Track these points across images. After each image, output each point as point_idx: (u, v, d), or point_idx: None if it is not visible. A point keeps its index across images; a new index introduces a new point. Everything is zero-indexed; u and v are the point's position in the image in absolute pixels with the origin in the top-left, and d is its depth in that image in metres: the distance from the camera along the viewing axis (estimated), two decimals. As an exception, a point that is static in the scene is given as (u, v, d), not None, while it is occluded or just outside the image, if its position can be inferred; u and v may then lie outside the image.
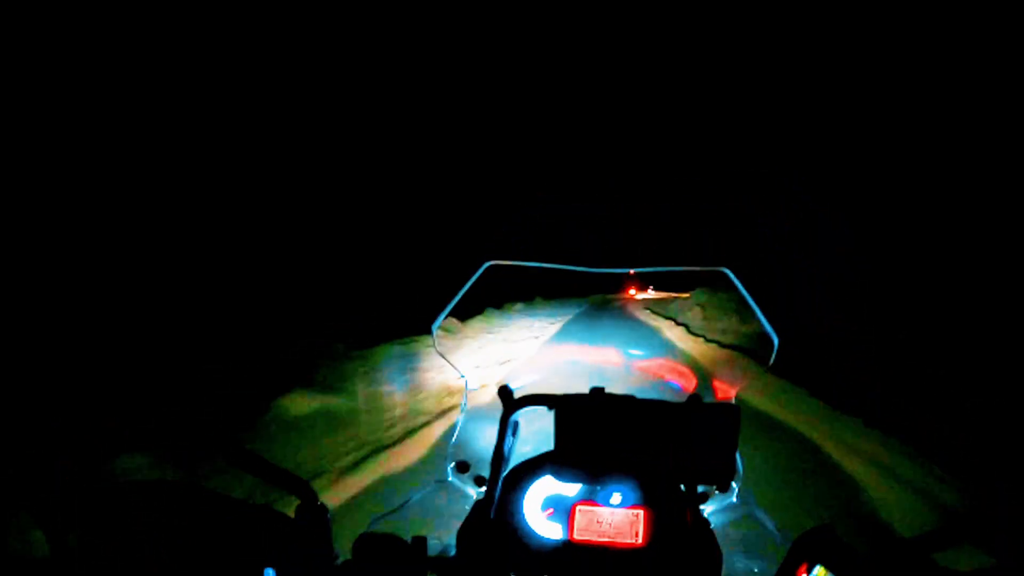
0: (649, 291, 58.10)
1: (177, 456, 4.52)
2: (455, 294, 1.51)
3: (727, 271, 1.47)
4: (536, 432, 1.52)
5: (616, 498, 1.21)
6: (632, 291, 55.93)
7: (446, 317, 1.57)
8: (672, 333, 16.27)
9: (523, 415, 1.39)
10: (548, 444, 1.26)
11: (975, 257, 9.97)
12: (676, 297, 29.81)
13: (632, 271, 1.55)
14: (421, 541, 1.04)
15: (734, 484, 1.36)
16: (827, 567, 0.88)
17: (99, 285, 8.70)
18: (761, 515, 1.36)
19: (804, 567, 0.91)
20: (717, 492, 1.38)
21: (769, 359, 1.42)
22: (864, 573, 0.87)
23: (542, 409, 1.35)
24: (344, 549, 1.02)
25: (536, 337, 15.12)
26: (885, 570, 0.88)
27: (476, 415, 1.66)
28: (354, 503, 4.16)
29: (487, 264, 1.51)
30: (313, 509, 1.02)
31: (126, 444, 4.72)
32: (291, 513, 1.01)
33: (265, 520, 0.98)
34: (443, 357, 1.67)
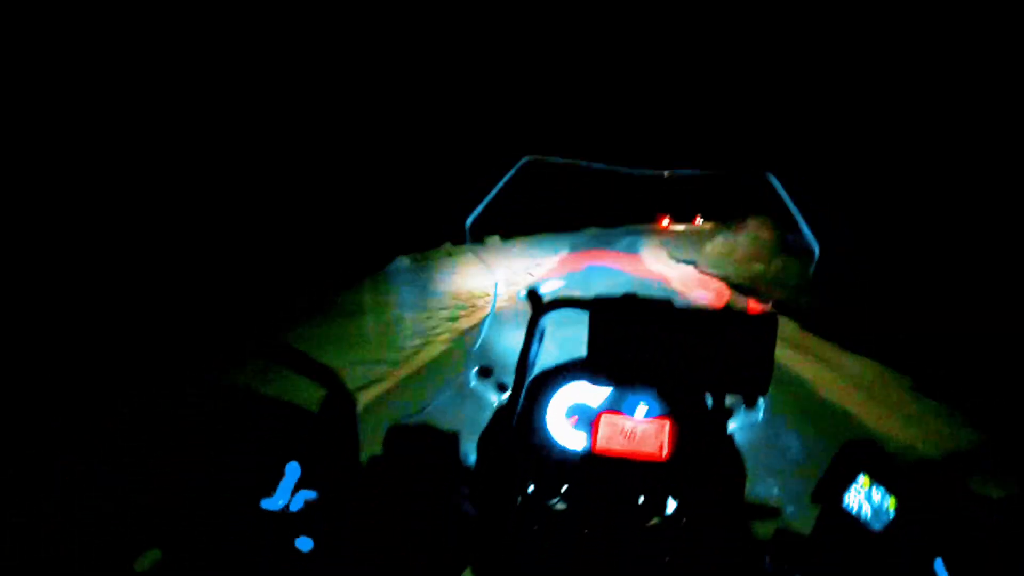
0: (698, 221, 46.85)
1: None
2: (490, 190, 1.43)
3: (771, 176, 1.37)
4: (563, 340, 1.48)
5: (642, 408, 1.18)
6: (665, 222, 45.31)
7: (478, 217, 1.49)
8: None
9: (551, 322, 1.34)
10: (574, 353, 1.23)
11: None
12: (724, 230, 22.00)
13: (667, 173, 1.43)
14: (453, 437, 1.02)
15: (761, 400, 1.32)
16: (871, 476, 0.89)
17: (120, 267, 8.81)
18: (787, 434, 1.33)
19: (849, 477, 0.92)
20: (744, 408, 1.34)
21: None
22: (905, 482, 0.87)
23: (569, 318, 1.30)
24: (369, 441, 1.02)
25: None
26: (924, 481, 0.87)
27: (503, 319, 1.61)
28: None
29: (525, 159, 1.42)
30: (341, 403, 1.01)
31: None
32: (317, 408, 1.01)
33: (289, 415, 0.98)
34: (476, 255, 1.61)
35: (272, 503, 0.86)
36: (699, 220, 47.99)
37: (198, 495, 0.84)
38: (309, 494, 0.88)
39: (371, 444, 1.03)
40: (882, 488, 0.88)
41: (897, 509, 0.86)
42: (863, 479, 0.90)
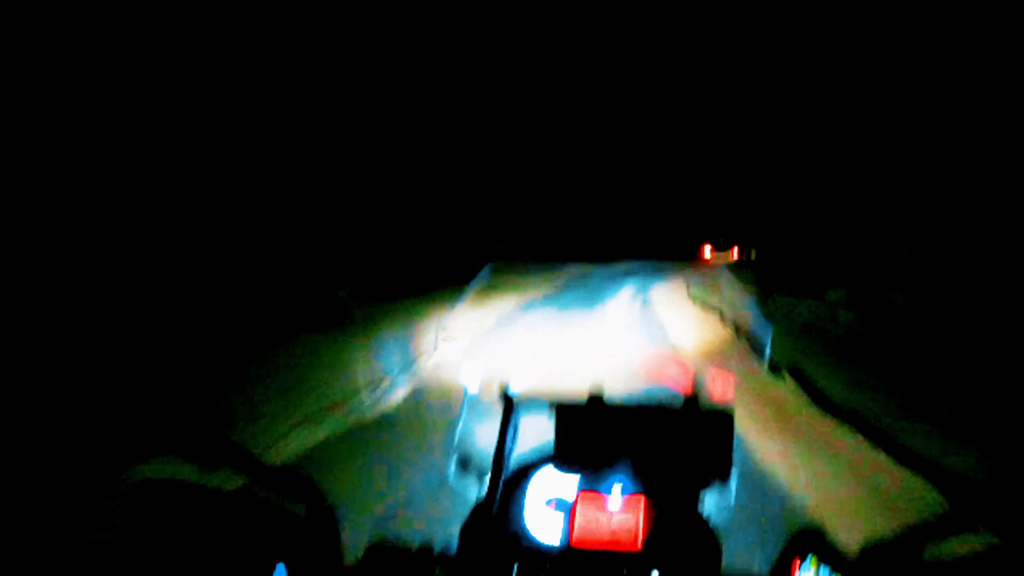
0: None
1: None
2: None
3: (724, 269, 1.49)
4: (539, 430, 1.55)
5: (617, 489, 1.24)
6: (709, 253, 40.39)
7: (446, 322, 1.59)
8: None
9: (523, 415, 1.42)
10: (549, 441, 1.29)
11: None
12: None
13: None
14: (427, 550, 1.07)
15: (732, 483, 1.39)
16: (819, 557, 0.95)
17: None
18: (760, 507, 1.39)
19: (797, 560, 0.98)
20: (717, 488, 1.40)
21: None
22: (853, 563, 0.93)
23: (542, 412, 1.38)
24: (353, 546, 1.05)
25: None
26: (874, 560, 0.93)
27: (479, 409, 1.68)
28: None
29: (488, 267, 1.54)
30: (321, 509, 1.05)
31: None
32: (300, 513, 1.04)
33: (276, 517, 1.01)
34: (447, 365, 1.68)
35: None
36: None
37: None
38: None
39: (355, 538, 1.06)
40: (827, 568, 0.94)
41: None
42: (812, 560, 0.96)
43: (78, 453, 4.17)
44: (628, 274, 25.24)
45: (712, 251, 41.80)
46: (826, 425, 5.86)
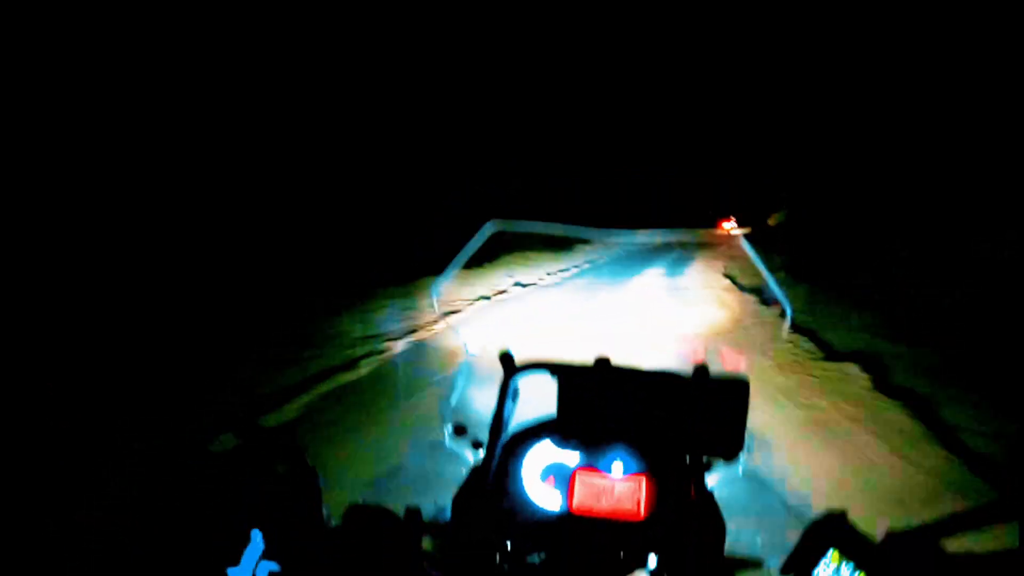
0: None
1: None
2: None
3: (745, 241, 1.40)
4: (538, 397, 1.48)
5: (617, 467, 1.18)
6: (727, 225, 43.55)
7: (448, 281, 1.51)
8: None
9: (524, 380, 1.35)
10: (549, 409, 1.23)
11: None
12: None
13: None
14: (415, 513, 1.01)
15: (741, 455, 1.32)
16: (841, 551, 0.89)
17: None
18: (769, 484, 1.33)
19: (818, 552, 0.91)
20: (722, 462, 1.34)
21: None
22: (875, 557, 0.87)
23: (544, 374, 1.31)
24: (334, 510, 1.00)
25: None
26: (899, 553, 0.88)
27: (476, 375, 1.62)
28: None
29: (490, 225, 1.45)
30: (303, 471, 0.99)
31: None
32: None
33: (254, 481, 0.96)
34: (447, 323, 1.62)
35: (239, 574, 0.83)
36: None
37: (162, 560, 0.82)
38: (272, 566, 0.85)
39: (339, 503, 1.00)
40: (851, 564, 0.88)
41: None
42: (832, 555, 0.90)
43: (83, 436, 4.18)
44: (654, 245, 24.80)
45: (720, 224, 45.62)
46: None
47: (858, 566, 0.86)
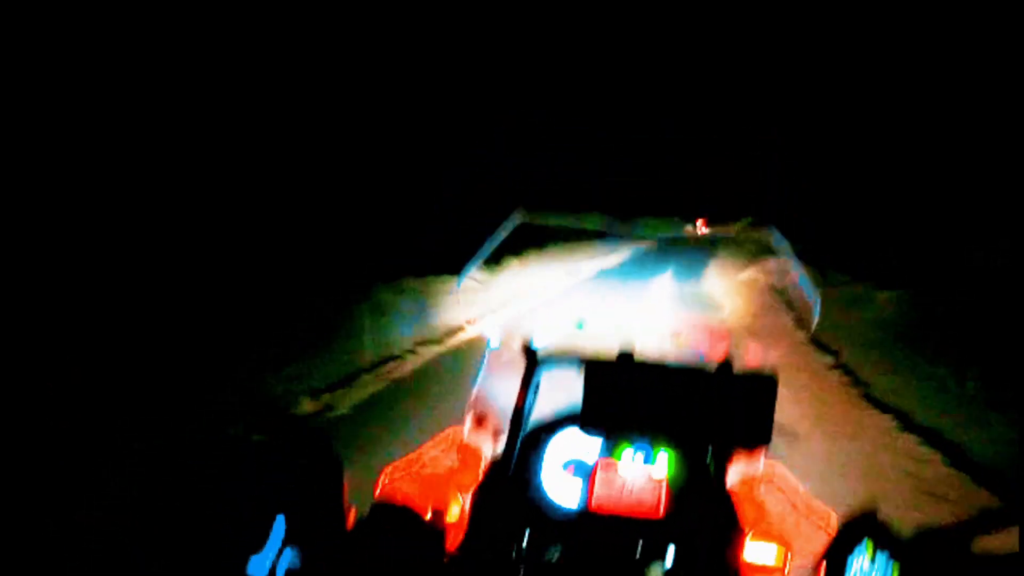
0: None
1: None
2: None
3: (774, 230, 1.38)
4: (559, 389, 1.47)
5: (639, 461, 1.17)
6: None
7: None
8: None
9: (546, 372, 1.34)
10: (571, 402, 1.22)
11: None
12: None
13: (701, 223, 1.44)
14: (438, 515, 1.02)
15: (762, 454, 1.30)
16: (875, 542, 0.90)
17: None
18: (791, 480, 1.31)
19: (854, 541, 0.93)
20: (743, 461, 1.32)
21: None
22: (909, 549, 0.88)
23: (567, 367, 1.30)
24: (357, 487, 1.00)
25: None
26: (929, 546, 0.89)
27: (497, 367, 1.61)
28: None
29: (516, 216, 1.44)
30: (328, 461, 1.00)
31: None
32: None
33: (280, 469, 0.97)
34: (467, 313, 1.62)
35: (261, 561, 0.85)
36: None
37: (184, 546, 0.83)
38: (295, 552, 0.86)
39: (359, 491, 1.01)
40: (886, 554, 0.88)
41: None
42: (868, 544, 0.90)
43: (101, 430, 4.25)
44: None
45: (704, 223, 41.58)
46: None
47: (891, 556, 0.87)
